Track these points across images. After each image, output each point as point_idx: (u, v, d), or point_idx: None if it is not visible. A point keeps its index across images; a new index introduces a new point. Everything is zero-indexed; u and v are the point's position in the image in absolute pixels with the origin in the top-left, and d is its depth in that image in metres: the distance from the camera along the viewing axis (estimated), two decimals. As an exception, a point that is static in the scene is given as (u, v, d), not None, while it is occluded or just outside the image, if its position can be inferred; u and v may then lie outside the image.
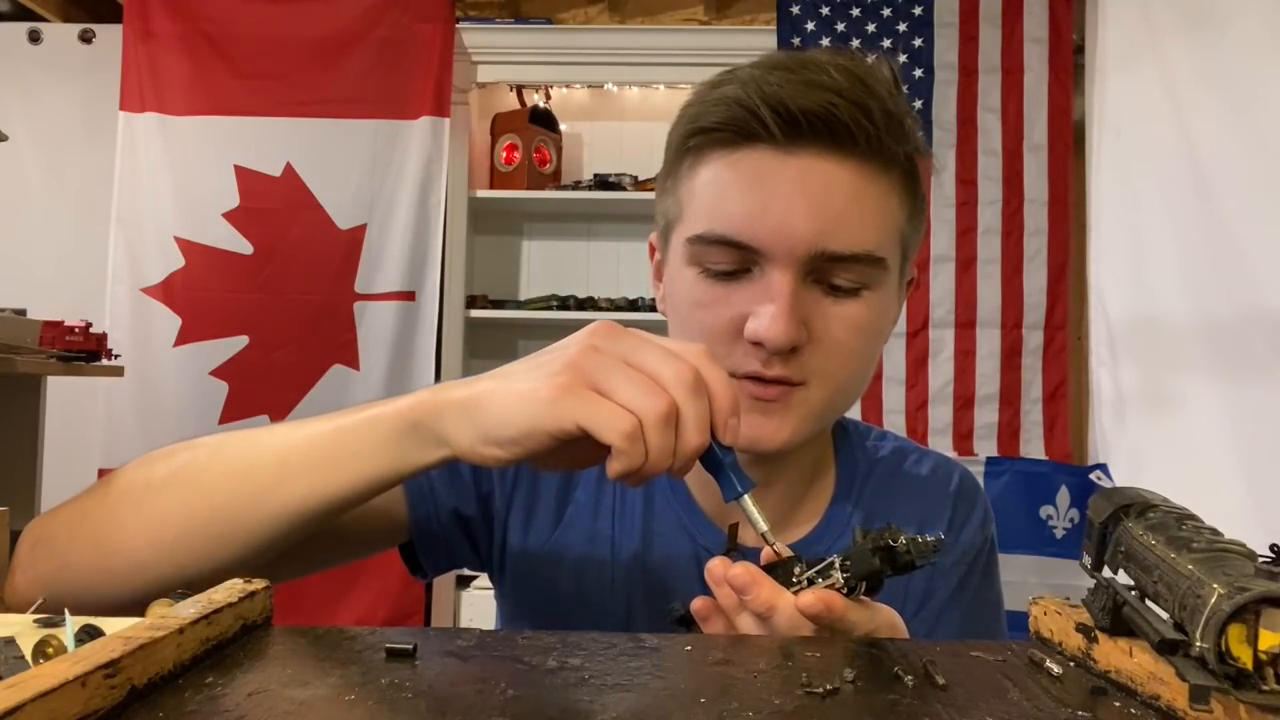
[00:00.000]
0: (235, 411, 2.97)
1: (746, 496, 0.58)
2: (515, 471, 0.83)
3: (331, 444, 0.61)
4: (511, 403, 0.55)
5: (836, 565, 0.58)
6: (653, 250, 0.85)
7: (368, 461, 0.60)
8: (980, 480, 2.54)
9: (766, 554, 0.60)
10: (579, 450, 0.56)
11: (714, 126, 0.73)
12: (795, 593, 0.57)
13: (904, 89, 0.75)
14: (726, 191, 0.72)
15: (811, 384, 0.73)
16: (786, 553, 0.59)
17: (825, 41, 2.98)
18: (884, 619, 0.58)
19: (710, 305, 0.74)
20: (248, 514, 0.63)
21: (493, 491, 0.83)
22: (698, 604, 0.59)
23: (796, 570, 0.58)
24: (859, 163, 0.71)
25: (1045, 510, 2.54)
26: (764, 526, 0.58)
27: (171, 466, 0.67)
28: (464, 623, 2.99)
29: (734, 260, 0.72)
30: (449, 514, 0.81)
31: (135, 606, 0.67)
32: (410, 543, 0.82)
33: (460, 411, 0.57)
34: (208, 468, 0.66)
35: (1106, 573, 0.50)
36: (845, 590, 0.57)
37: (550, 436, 0.54)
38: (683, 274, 0.76)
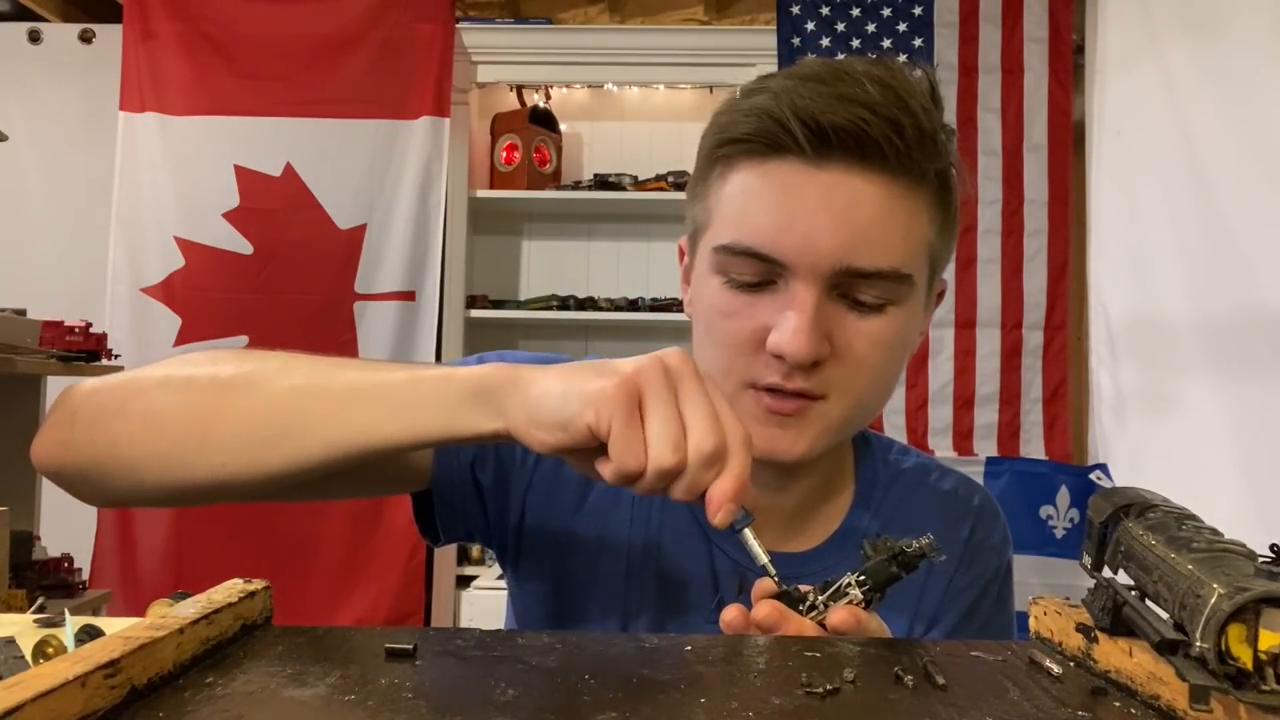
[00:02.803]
0: (235, 411, 2.97)
1: (747, 530, 0.59)
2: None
3: (402, 390, 0.62)
4: (567, 392, 0.57)
5: (852, 583, 0.60)
6: (682, 254, 0.85)
7: (430, 414, 0.61)
8: (980, 480, 2.55)
9: (765, 586, 0.61)
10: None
11: (743, 137, 0.73)
12: (814, 618, 0.60)
13: (944, 103, 0.75)
14: (753, 203, 0.72)
15: (831, 398, 0.73)
16: (782, 586, 0.61)
17: (825, 41, 2.97)
18: (881, 623, 0.62)
19: (734, 315, 0.74)
20: (308, 431, 0.63)
21: (513, 468, 0.83)
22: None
23: (810, 597, 0.61)
24: (888, 178, 0.71)
25: (1045, 510, 2.54)
26: (764, 559, 0.59)
27: (241, 369, 0.67)
28: (464, 623, 2.99)
29: (759, 272, 0.72)
30: (468, 474, 0.81)
31: (156, 499, 0.69)
32: (430, 503, 0.81)
33: (523, 390, 0.58)
34: (278, 380, 0.66)
35: (1106, 573, 0.50)
36: (865, 604, 0.60)
37: (588, 430, 0.56)
38: (709, 282, 0.76)
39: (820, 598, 0.60)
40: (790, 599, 0.60)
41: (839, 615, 0.58)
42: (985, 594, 0.86)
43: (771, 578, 0.60)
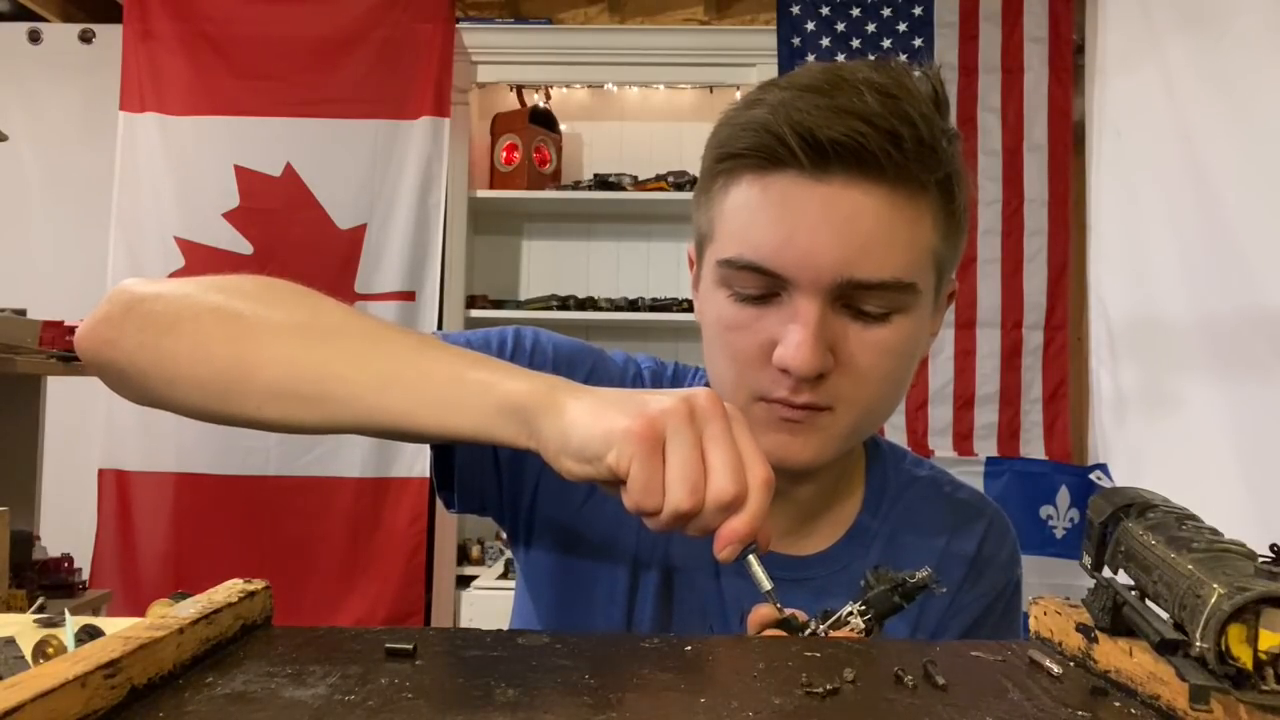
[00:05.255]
0: (235, 411, 2.98)
1: (752, 557, 0.58)
2: None
3: (443, 389, 0.63)
4: (595, 428, 0.57)
5: (855, 612, 0.61)
6: (692, 261, 0.85)
7: (465, 418, 0.62)
8: (980, 481, 2.55)
9: (764, 614, 0.62)
10: None
11: (742, 152, 0.72)
12: None
13: (948, 105, 0.74)
14: (755, 217, 0.72)
15: (839, 408, 0.74)
16: (785, 613, 0.61)
17: (825, 41, 2.97)
18: None
19: (739, 329, 0.74)
20: (343, 401, 0.64)
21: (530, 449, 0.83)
22: None
23: (811, 625, 0.61)
24: (889, 189, 0.70)
25: (1045, 510, 2.54)
26: (768, 586, 0.59)
27: (294, 317, 0.68)
28: (464, 623, 2.99)
29: (762, 286, 0.72)
30: (489, 447, 0.81)
31: (191, 415, 0.70)
32: (449, 464, 0.81)
33: (557, 419, 0.59)
34: (325, 342, 0.66)
35: (1106, 573, 0.50)
36: (865, 633, 0.60)
37: (610, 470, 0.56)
38: (714, 294, 0.76)
39: (821, 626, 0.60)
40: (790, 627, 0.60)
41: (838, 638, 0.58)
42: (991, 610, 0.85)
43: (774, 605, 0.60)
